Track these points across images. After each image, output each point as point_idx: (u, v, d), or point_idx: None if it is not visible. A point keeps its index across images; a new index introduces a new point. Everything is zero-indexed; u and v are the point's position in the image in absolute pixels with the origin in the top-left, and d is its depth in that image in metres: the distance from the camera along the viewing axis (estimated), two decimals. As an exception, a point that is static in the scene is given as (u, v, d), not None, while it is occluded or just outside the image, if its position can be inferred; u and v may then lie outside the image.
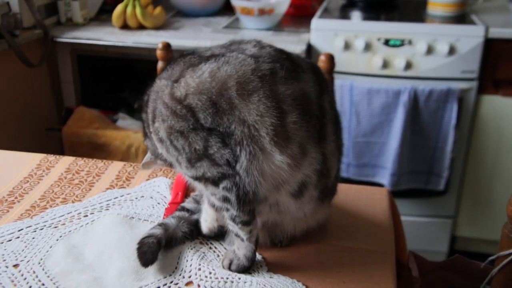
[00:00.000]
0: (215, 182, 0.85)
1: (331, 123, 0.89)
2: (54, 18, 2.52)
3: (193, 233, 1.00)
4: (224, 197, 0.86)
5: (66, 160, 1.30)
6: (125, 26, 2.48)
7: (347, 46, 2.19)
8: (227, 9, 2.71)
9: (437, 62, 2.14)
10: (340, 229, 1.06)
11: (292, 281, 0.90)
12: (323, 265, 0.95)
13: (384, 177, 2.26)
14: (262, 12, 2.41)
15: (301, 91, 0.83)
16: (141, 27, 2.48)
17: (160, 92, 0.85)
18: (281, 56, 0.85)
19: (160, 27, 2.50)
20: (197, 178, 0.87)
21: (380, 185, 2.27)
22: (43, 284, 0.89)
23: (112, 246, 0.97)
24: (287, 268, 0.94)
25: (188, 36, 2.36)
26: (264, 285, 0.87)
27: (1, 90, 2.30)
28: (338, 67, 2.23)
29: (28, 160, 1.30)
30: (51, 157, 1.31)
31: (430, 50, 2.13)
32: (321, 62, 1.66)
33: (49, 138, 2.47)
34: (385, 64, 2.18)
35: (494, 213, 2.35)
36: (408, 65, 2.16)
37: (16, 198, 1.15)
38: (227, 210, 0.87)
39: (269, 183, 0.84)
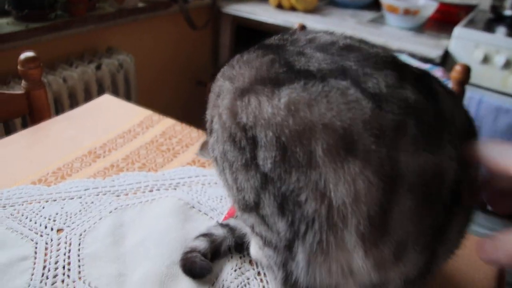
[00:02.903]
0: (263, 242, 0.44)
1: (463, 213, 0.41)
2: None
3: (241, 249, 0.64)
4: (268, 265, 0.46)
5: (167, 122, 1.00)
6: (279, 6, 2.13)
7: (485, 60, 1.61)
8: (375, 4, 2.21)
9: None
10: None
11: None
12: None
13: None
14: (407, 12, 1.89)
15: (434, 167, 0.36)
16: (292, 8, 2.10)
17: (221, 97, 0.43)
18: (422, 102, 0.36)
19: (310, 11, 2.10)
20: (246, 223, 0.47)
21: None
22: (69, 263, 0.61)
23: (153, 238, 0.66)
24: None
25: (332, 23, 1.93)
26: None
27: (167, 44, 2.09)
28: (471, 79, 1.68)
29: (136, 115, 1.03)
30: (155, 116, 1.02)
31: None
32: (455, 72, 1.16)
33: (198, 90, 2.24)
34: (523, 85, 1.57)
35: None
36: (549, 91, 1.54)
37: (104, 152, 0.88)
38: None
39: (333, 278, 0.40)
